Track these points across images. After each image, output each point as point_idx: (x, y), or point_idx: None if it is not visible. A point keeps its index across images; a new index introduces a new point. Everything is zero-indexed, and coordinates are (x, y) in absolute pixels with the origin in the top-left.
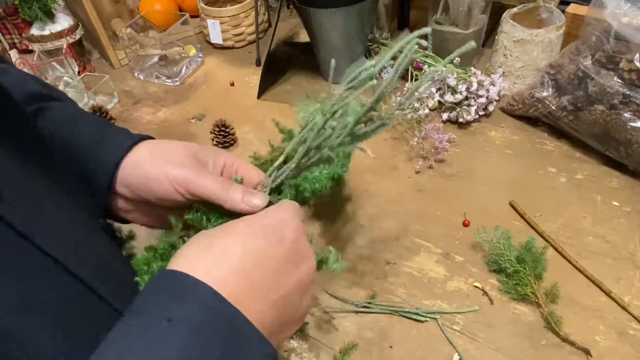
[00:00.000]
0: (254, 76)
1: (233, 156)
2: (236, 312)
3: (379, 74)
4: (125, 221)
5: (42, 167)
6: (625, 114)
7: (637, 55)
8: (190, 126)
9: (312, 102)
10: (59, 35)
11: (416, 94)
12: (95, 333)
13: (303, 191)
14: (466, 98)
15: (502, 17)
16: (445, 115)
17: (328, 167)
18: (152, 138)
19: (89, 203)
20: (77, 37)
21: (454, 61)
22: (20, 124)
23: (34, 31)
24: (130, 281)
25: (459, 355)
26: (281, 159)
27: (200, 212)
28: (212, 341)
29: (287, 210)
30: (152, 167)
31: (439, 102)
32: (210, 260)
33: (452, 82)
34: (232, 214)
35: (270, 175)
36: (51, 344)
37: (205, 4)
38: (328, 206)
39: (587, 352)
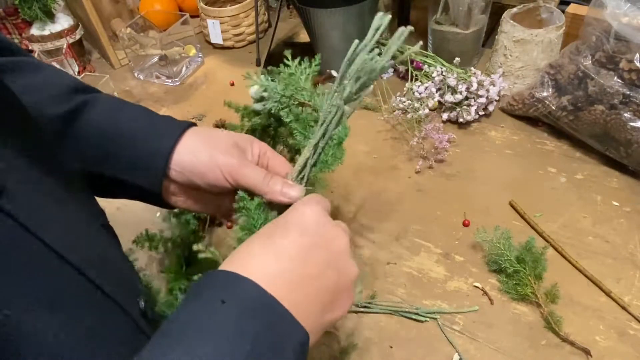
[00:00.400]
0: (254, 76)
1: (264, 144)
2: (276, 301)
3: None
4: (174, 207)
5: (46, 165)
6: (625, 114)
7: (637, 55)
8: None
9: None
10: (59, 35)
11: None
12: (102, 328)
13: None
14: (466, 98)
15: (502, 17)
16: (445, 115)
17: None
18: (195, 125)
19: (92, 203)
20: (77, 37)
21: (455, 61)
22: (26, 123)
23: (34, 31)
24: (130, 277)
25: (459, 355)
26: (306, 152)
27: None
28: (255, 322)
29: (336, 227)
30: (203, 153)
31: (439, 102)
32: (284, 262)
33: (452, 82)
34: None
35: (299, 167)
36: (64, 340)
37: (205, 4)
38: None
39: (587, 352)
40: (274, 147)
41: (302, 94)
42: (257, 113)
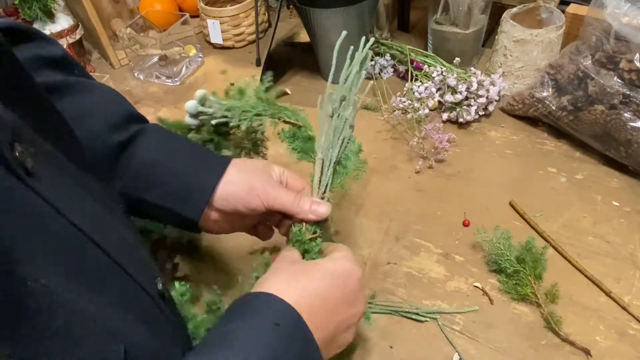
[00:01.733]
0: (254, 76)
1: (279, 166)
2: (313, 338)
3: (379, 73)
4: (208, 232)
5: (69, 151)
6: (625, 114)
7: (637, 55)
8: None
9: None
10: (59, 35)
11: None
12: (126, 303)
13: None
14: (466, 98)
15: (502, 17)
16: (445, 115)
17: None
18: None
19: (112, 191)
20: (77, 37)
21: (455, 61)
22: (49, 111)
23: None
24: (147, 261)
25: (459, 355)
26: (318, 167)
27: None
28: (296, 348)
29: (352, 263)
30: (243, 183)
31: (439, 102)
32: (295, 290)
33: (452, 82)
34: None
35: (318, 182)
36: (95, 311)
37: (205, 4)
38: None
39: (587, 352)
40: None
41: (285, 113)
42: (191, 128)
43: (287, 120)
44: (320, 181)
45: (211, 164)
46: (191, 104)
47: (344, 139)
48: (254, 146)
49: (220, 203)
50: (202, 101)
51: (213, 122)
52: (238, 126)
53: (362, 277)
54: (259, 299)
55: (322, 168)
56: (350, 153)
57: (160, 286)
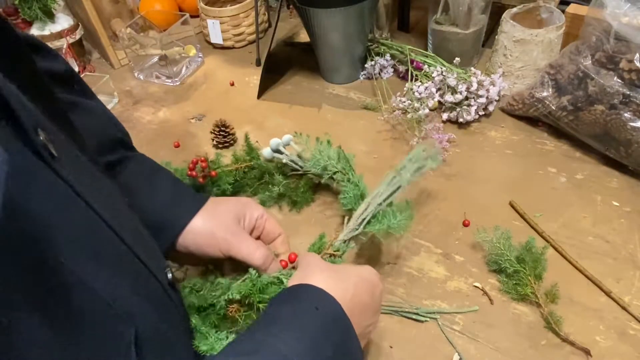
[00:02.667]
0: (254, 76)
1: (262, 209)
2: (350, 323)
3: (379, 73)
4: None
5: (79, 144)
6: (625, 114)
7: (637, 55)
8: (190, 126)
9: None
10: (59, 35)
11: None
12: (140, 288)
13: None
14: (466, 98)
15: (502, 17)
16: (445, 115)
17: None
18: (208, 199)
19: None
20: (77, 37)
21: (455, 61)
22: (57, 106)
23: (34, 31)
24: (156, 251)
25: (459, 355)
26: (362, 206)
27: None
28: (336, 334)
29: (377, 277)
30: (205, 232)
31: (439, 102)
32: (343, 286)
33: (452, 82)
34: None
35: (356, 219)
36: (112, 291)
37: (205, 4)
38: (328, 206)
39: (587, 352)
40: (254, 194)
41: (350, 173)
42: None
43: (346, 176)
44: (359, 217)
45: (184, 205)
46: (275, 141)
47: (392, 191)
48: (294, 203)
49: (183, 245)
50: (285, 144)
51: (284, 161)
52: (302, 177)
53: (382, 291)
54: (301, 287)
55: (364, 208)
56: (398, 211)
57: (170, 275)
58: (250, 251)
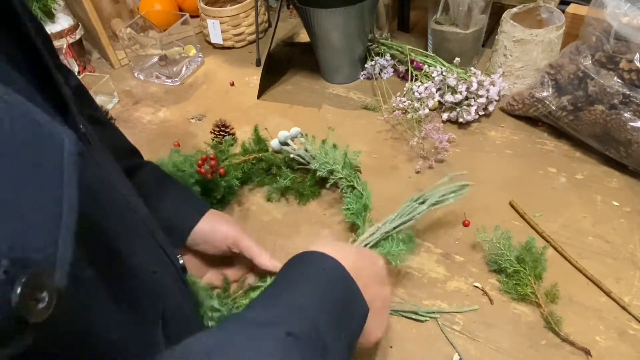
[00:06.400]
0: (254, 76)
1: (246, 236)
2: (354, 281)
3: (379, 73)
4: None
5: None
6: (625, 114)
7: (637, 55)
8: (190, 126)
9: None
10: (59, 35)
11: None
12: (160, 269)
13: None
14: (466, 98)
15: (502, 17)
16: (445, 115)
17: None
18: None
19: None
20: (77, 37)
21: (455, 61)
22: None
23: None
24: (168, 241)
25: (459, 355)
26: (371, 230)
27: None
28: (340, 289)
29: (375, 254)
30: (213, 229)
31: (439, 102)
32: (344, 253)
33: (452, 82)
34: None
35: (362, 240)
36: (145, 265)
37: (205, 4)
38: (328, 206)
39: (587, 352)
40: (261, 185)
41: (355, 179)
42: (268, 151)
43: (350, 184)
44: (364, 241)
45: (193, 207)
46: (283, 134)
47: (404, 221)
48: (300, 195)
49: (193, 242)
50: (293, 137)
51: (291, 155)
52: (309, 171)
53: (384, 266)
54: (306, 254)
55: (372, 232)
56: (402, 240)
57: (182, 261)
58: (256, 246)
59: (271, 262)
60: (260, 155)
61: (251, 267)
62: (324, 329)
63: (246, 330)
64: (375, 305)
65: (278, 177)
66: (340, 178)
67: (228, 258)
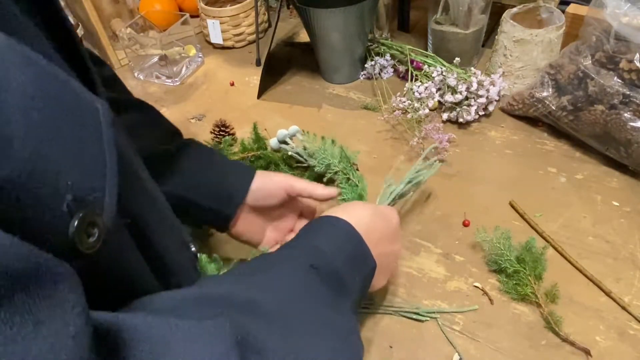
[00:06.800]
0: (254, 76)
1: (297, 178)
2: (364, 241)
3: (379, 73)
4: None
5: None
6: (625, 114)
7: (637, 55)
8: (190, 126)
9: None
10: None
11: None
12: (178, 252)
13: None
14: (466, 98)
15: (502, 17)
16: (445, 115)
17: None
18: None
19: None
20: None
21: (455, 61)
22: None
23: None
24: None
25: (459, 355)
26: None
27: None
28: (352, 244)
29: (393, 211)
30: (268, 181)
31: (439, 102)
32: (358, 217)
33: (452, 82)
34: None
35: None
36: (177, 253)
37: (205, 4)
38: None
39: (587, 352)
40: None
41: (352, 172)
42: (269, 149)
43: (347, 176)
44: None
45: (242, 172)
46: (282, 132)
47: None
48: None
49: (253, 199)
50: (291, 135)
51: (289, 153)
52: (307, 168)
53: (399, 223)
54: (324, 217)
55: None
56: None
57: (194, 248)
58: (307, 182)
59: (327, 190)
60: (259, 153)
61: (300, 214)
62: (340, 268)
63: (273, 261)
64: (383, 260)
65: None
66: (337, 172)
67: (278, 215)
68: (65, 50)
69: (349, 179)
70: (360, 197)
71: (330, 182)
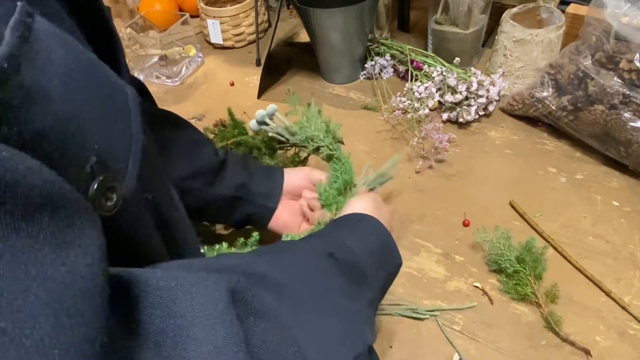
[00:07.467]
0: (254, 76)
1: (316, 169)
2: (390, 236)
3: (379, 73)
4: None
5: None
6: (625, 114)
7: (637, 55)
8: None
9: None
10: None
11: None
12: (193, 240)
13: None
14: (466, 98)
15: (502, 17)
16: (445, 115)
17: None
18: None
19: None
20: None
21: (455, 61)
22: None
23: None
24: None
25: (459, 355)
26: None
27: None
28: (379, 239)
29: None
30: (292, 176)
31: (439, 102)
32: (378, 213)
33: (452, 82)
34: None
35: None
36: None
37: (205, 4)
38: None
39: (587, 352)
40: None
41: (334, 146)
42: (246, 132)
43: (332, 152)
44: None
45: (274, 173)
46: (260, 113)
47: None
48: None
49: (288, 192)
50: (270, 115)
51: (270, 134)
52: (290, 147)
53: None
54: (344, 216)
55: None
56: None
57: (203, 250)
58: (322, 175)
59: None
60: (239, 139)
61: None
62: (363, 262)
63: (291, 246)
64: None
65: (260, 160)
66: (322, 147)
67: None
68: (98, 44)
69: (332, 157)
70: (346, 183)
71: (315, 152)
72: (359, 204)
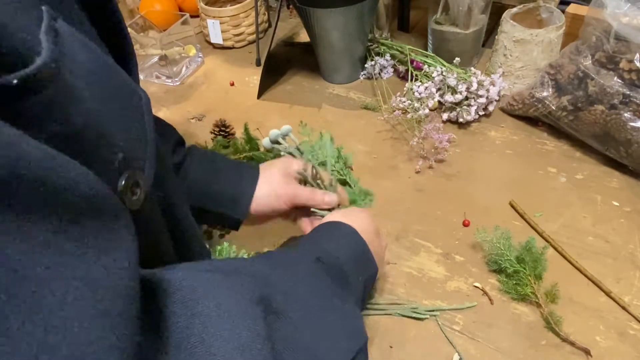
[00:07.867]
0: (254, 76)
1: (303, 162)
2: (365, 243)
3: (379, 73)
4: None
5: None
6: (625, 114)
7: (637, 55)
8: (190, 126)
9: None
10: None
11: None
12: (200, 243)
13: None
14: (466, 98)
15: (502, 17)
16: (445, 115)
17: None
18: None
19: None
20: None
21: (455, 61)
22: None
23: None
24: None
25: (459, 355)
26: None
27: None
28: (360, 247)
29: (367, 212)
30: (270, 193)
31: (439, 102)
32: (354, 221)
33: (452, 82)
34: None
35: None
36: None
37: (205, 4)
38: None
39: (587, 352)
40: None
41: (345, 172)
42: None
43: (343, 177)
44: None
45: (246, 176)
46: (274, 132)
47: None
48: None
49: (255, 210)
50: (284, 135)
51: (282, 153)
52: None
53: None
54: (322, 225)
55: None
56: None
57: (210, 253)
58: (308, 195)
59: (328, 197)
60: (251, 154)
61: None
62: (344, 265)
63: (279, 254)
64: (378, 252)
65: None
66: (333, 171)
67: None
68: (111, 46)
69: (345, 182)
70: (353, 202)
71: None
72: (337, 214)
